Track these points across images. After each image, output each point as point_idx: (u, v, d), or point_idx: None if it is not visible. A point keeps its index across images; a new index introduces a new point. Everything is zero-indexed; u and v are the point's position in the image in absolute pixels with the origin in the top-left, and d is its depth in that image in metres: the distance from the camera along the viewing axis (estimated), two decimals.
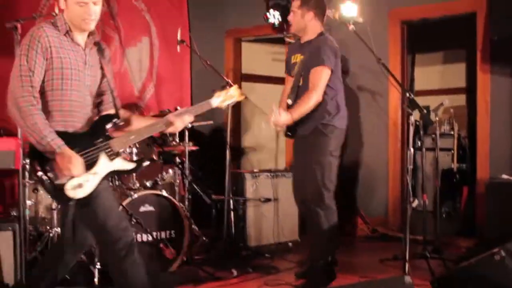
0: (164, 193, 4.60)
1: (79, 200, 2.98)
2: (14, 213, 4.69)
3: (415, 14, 6.46)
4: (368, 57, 4.40)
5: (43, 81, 3.00)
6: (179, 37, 5.30)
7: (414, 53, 8.96)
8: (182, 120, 3.30)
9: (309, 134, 4.25)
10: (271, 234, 5.51)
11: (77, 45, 3.13)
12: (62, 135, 2.93)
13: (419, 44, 8.38)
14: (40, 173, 2.89)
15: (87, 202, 3.01)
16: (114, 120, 3.19)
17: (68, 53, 3.07)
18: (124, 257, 3.06)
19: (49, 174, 2.90)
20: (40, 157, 2.88)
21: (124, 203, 4.22)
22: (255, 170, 5.75)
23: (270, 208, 5.52)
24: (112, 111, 3.27)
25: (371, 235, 6.25)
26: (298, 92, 4.29)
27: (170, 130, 3.32)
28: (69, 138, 2.96)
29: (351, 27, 4.21)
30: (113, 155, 3.10)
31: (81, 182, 2.95)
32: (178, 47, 5.34)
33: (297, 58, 4.43)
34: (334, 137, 4.30)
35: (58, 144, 2.88)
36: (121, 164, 3.13)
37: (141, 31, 6.91)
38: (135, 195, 4.35)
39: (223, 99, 3.46)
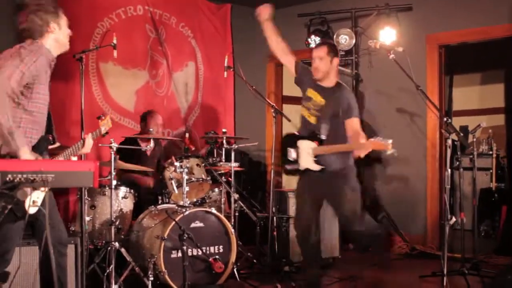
0: (213, 210, 4.87)
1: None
2: (72, 227, 5.05)
3: (452, 39, 6.63)
4: (407, 80, 4.58)
5: None
6: (226, 63, 5.56)
7: (452, 74, 9.07)
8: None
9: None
10: None
11: None
12: None
13: (457, 65, 8.51)
14: None
15: None
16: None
17: None
18: None
19: None
20: None
21: (176, 219, 4.49)
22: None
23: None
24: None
25: (410, 253, 6.40)
26: (309, 128, 4.62)
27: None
28: None
29: (391, 56, 4.42)
30: None
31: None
32: (226, 73, 5.62)
33: (316, 97, 4.64)
34: None
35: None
36: None
37: (188, 56, 7.24)
38: (187, 212, 4.63)
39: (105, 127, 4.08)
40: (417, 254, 6.35)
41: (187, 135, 5.56)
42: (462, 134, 4.10)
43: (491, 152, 7.85)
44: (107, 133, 4.10)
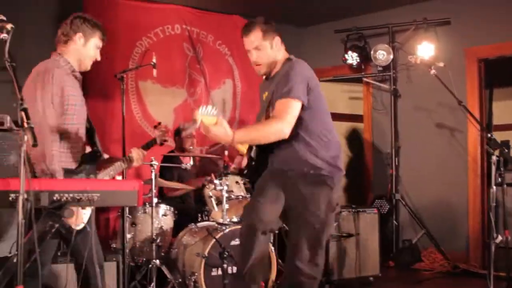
0: None
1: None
2: (113, 245, 5.09)
3: (491, 52, 6.54)
4: (446, 95, 4.54)
5: None
6: None
7: (492, 87, 8.94)
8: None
9: None
10: (352, 268, 5.64)
11: None
12: None
13: (497, 79, 8.39)
14: None
15: None
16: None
17: None
18: None
19: None
20: None
21: (217, 237, 4.50)
22: None
23: (352, 243, 5.66)
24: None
25: (452, 271, 6.27)
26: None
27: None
28: None
29: (433, 71, 4.39)
30: None
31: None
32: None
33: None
34: None
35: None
36: None
37: (225, 74, 7.29)
38: (227, 230, 4.64)
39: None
40: (460, 272, 6.21)
41: (226, 152, 5.57)
42: (506, 150, 4.02)
43: None
44: (165, 140, 4.15)
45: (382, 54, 6.88)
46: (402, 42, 7.01)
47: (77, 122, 3.33)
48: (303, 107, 3.41)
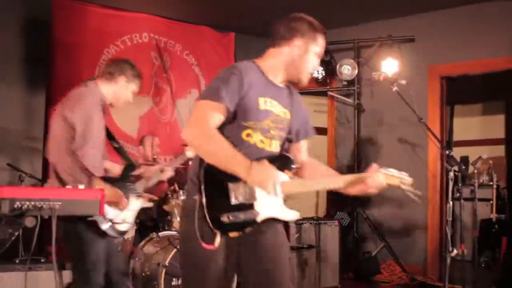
0: None
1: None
2: None
3: (454, 70, 6.71)
4: (408, 110, 4.62)
5: None
6: None
7: (453, 104, 9.15)
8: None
9: None
10: (312, 279, 5.70)
11: None
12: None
13: (459, 96, 8.58)
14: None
15: None
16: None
17: None
18: None
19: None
20: None
21: (178, 246, 4.50)
22: (298, 218, 5.97)
23: (313, 255, 5.73)
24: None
25: (410, 283, 6.39)
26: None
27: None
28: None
29: (395, 88, 4.48)
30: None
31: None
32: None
33: (277, 108, 2.89)
34: None
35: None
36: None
37: (191, 84, 7.31)
38: None
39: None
40: (417, 285, 6.33)
41: (190, 162, 5.57)
42: (464, 167, 4.15)
43: (491, 183, 7.87)
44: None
45: (347, 69, 7.00)
46: (367, 58, 7.13)
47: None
48: None
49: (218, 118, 2.58)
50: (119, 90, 3.67)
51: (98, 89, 3.60)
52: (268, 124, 2.72)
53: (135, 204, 3.83)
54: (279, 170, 2.63)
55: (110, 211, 3.48)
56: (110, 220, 3.46)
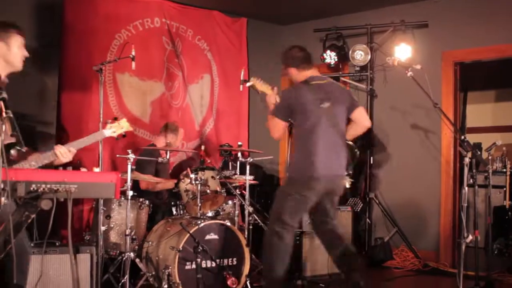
0: (227, 223, 4.89)
1: None
2: (87, 237, 5.08)
3: (467, 56, 6.64)
4: (421, 96, 4.61)
5: None
6: (242, 77, 5.59)
7: (466, 91, 9.08)
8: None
9: None
10: (325, 265, 5.69)
11: None
12: None
13: (472, 83, 8.52)
14: None
15: None
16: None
17: None
18: None
19: None
20: None
21: (191, 231, 4.52)
22: None
23: None
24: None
25: (422, 269, 6.38)
26: None
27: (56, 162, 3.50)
28: None
29: (409, 73, 4.45)
30: None
31: None
32: (241, 86, 5.63)
33: None
34: None
35: None
36: None
37: (203, 69, 7.29)
38: (202, 224, 4.66)
39: (114, 130, 3.81)
40: (430, 270, 6.33)
41: (202, 147, 5.58)
42: (479, 153, 4.10)
43: (504, 170, 7.82)
44: (124, 136, 3.92)
45: (360, 54, 6.95)
46: (380, 43, 7.08)
47: None
48: None
49: None
50: (7, 55, 3.47)
51: None
52: None
53: None
54: None
55: None
56: None
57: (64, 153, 3.43)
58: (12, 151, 3.30)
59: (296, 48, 4.67)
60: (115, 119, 3.91)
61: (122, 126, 3.86)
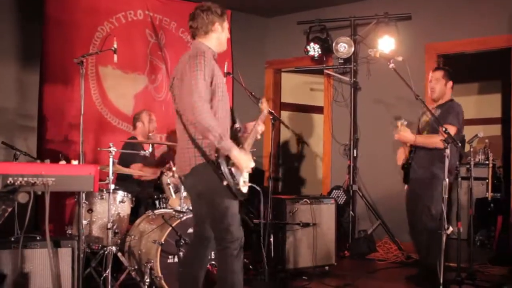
0: None
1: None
2: (69, 231, 5.03)
3: (451, 48, 6.68)
4: (405, 89, 4.62)
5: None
6: (225, 70, 5.55)
7: None
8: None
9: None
10: (309, 257, 5.70)
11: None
12: None
13: (455, 75, 8.52)
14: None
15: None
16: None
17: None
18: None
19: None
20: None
21: (173, 225, 4.50)
22: (294, 196, 5.97)
23: (309, 233, 5.72)
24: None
25: (405, 261, 6.41)
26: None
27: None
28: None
29: (391, 65, 4.45)
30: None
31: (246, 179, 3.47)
32: (225, 79, 5.58)
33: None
34: None
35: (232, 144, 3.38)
36: None
37: None
38: (184, 218, 4.64)
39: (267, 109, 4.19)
40: (413, 262, 6.35)
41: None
42: (460, 145, 4.12)
43: (487, 162, 7.84)
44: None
45: (343, 47, 6.96)
46: (363, 36, 7.09)
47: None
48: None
49: None
50: (219, 37, 3.75)
51: (205, 45, 3.67)
52: None
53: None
54: None
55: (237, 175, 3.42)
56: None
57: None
58: None
59: None
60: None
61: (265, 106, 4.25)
